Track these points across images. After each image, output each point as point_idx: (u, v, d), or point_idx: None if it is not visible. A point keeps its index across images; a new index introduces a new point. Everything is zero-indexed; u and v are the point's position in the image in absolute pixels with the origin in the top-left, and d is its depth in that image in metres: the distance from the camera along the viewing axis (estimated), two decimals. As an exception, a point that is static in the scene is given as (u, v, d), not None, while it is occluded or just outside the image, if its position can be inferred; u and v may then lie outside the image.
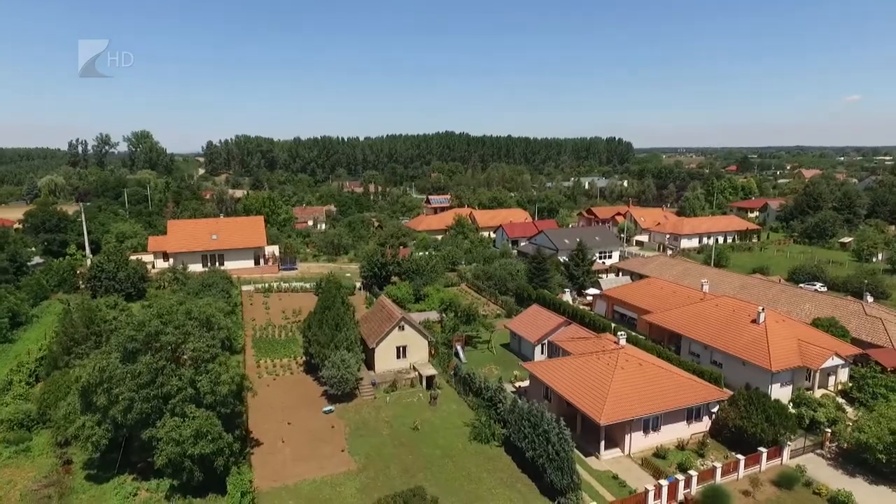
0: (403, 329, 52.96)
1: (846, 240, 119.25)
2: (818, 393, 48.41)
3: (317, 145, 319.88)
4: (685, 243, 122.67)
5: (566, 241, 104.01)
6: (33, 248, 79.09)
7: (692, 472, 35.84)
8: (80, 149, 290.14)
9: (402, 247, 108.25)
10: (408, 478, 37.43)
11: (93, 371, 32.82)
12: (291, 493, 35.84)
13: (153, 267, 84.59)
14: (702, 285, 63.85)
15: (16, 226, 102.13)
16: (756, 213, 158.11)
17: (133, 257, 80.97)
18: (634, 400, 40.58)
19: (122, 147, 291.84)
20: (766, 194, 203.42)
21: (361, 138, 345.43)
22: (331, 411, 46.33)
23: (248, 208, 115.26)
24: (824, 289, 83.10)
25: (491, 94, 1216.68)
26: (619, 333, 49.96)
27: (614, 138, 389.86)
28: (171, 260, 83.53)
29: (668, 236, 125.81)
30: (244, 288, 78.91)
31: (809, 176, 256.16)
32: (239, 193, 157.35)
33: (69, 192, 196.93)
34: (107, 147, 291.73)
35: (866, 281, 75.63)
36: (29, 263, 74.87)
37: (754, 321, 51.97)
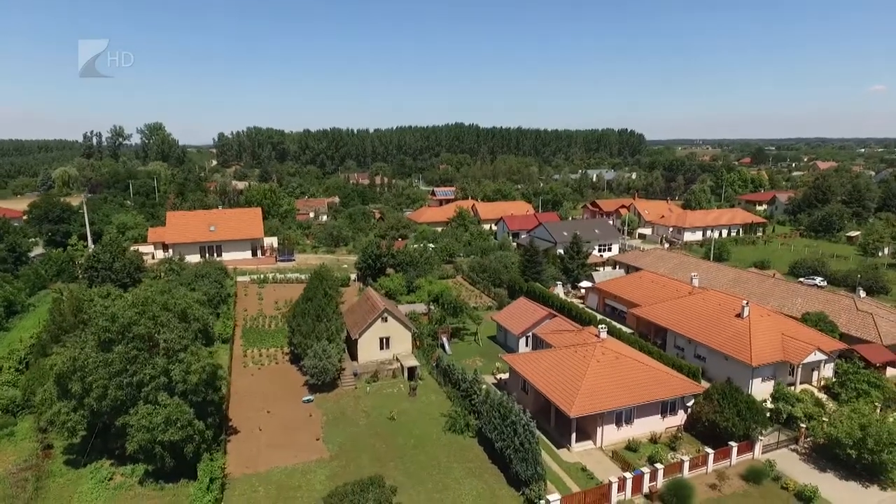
0: (387, 321, 53.44)
1: (853, 233, 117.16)
2: (801, 388, 48.06)
3: (326, 137, 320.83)
4: (688, 236, 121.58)
5: (565, 233, 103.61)
6: (34, 239, 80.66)
7: (658, 466, 35.90)
8: (94, 141, 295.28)
9: (400, 238, 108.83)
10: (378, 466, 37.97)
11: (67, 359, 33.71)
12: (262, 479, 36.60)
13: (153, 258, 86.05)
14: (691, 279, 63.42)
15: (24, 217, 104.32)
16: (764, 207, 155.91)
17: (133, 248, 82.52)
18: (607, 393, 40.63)
19: (137, 139, 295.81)
20: (777, 187, 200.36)
21: (371, 130, 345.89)
22: (310, 401, 47.02)
23: (249, 200, 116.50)
24: (824, 283, 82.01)
25: (502, 85, 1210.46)
26: (599, 326, 49.89)
27: (626, 130, 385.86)
28: (170, 251, 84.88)
29: (671, 229, 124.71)
30: (240, 279, 79.98)
31: (825, 168, 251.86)
32: (242, 185, 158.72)
33: (82, 184, 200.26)
34: (120, 139, 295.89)
35: (860, 275, 74.41)
36: (31, 254, 76.60)
37: (738, 315, 51.63)
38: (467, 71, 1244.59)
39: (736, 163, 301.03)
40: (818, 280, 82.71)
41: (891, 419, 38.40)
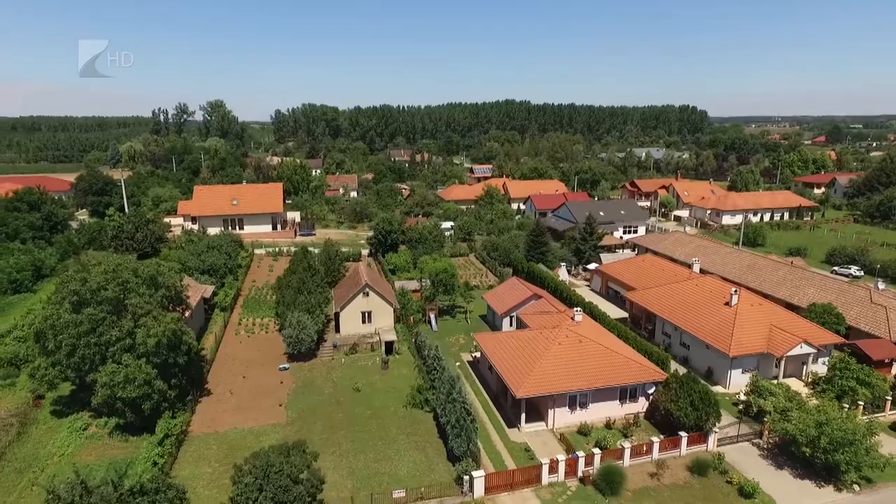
0: (368, 295, 54.75)
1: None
2: (784, 382, 45.53)
3: (376, 114, 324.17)
4: (727, 219, 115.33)
5: (588, 213, 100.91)
6: (72, 209, 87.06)
7: (595, 450, 35.46)
8: (161, 117, 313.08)
9: (422, 215, 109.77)
10: (329, 433, 39.71)
11: (42, 319, 37.03)
12: (218, 438, 39.08)
13: (182, 229, 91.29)
14: (692, 264, 60.75)
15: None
16: (822, 190, 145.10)
17: (167, 219, 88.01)
18: (562, 376, 40.27)
19: (199, 116, 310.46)
20: (847, 168, 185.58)
21: (422, 107, 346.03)
22: (286, 369, 49.25)
23: (280, 175, 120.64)
24: (860, 273, 76.28)
25: (556, 61, 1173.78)
26: (575, 309, 49.09)
27: (688, 106, 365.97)
28: (197, 223, 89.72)
29: (709, 211, 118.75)
30: (257, 251, 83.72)
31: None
32: (276, 160, 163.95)
33: (147, 158, 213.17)
34: (185, 115, 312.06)
35: (879, 266, 68.36)
36: (72, 223, 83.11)
37: (727, 304, 49.28)
38: (519, 46, 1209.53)
39: (808, 141, 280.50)
40: (853, 269, 76.98)
41: (857, 419, 35.95)
